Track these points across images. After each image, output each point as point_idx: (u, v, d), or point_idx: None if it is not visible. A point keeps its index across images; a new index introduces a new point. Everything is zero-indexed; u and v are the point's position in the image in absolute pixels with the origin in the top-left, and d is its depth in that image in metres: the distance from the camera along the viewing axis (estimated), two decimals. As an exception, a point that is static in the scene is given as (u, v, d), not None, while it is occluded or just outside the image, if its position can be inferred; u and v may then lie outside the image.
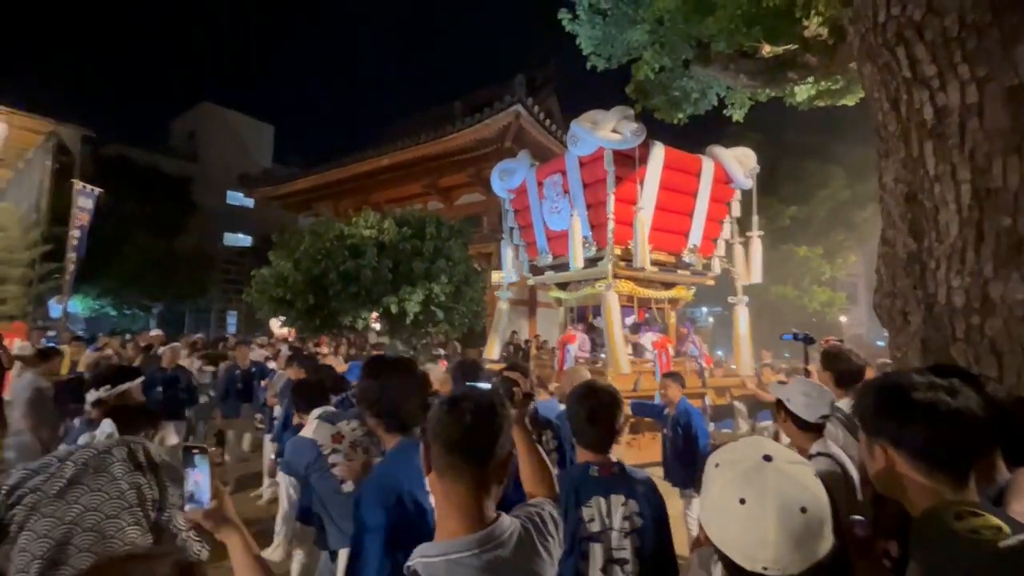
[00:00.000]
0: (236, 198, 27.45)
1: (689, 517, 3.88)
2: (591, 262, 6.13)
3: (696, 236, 6.43)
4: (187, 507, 1.08)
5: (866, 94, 1.82)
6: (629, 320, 6.43)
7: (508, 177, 7.14)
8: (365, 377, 1.71)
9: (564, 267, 6.37)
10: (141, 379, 2.42)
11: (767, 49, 4.10)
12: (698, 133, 6.62)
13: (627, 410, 3.89)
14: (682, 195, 6.23)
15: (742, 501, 0.77)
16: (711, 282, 6.99)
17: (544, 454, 1.36)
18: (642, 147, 5.72)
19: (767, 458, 0.81)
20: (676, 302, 6.81)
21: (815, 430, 1.83)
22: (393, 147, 15.51)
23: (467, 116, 14.15)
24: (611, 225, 5.75)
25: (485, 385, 1.40)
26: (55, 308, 12.75)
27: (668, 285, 6.59)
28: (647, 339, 6.07)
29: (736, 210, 6.70)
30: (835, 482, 1.67)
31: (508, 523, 1.00)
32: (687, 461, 3.88)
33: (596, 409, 1.71)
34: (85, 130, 12.14)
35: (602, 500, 1.63)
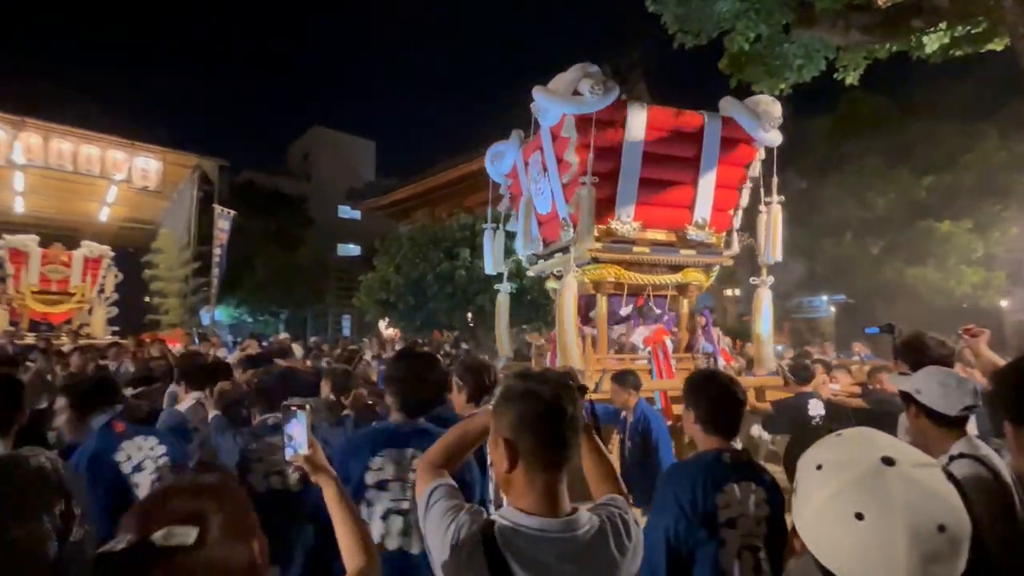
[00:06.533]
0: (345, 211, 30.02)
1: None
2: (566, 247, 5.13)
3: (704, 208, 5.19)
4: (287, 452, 1.22)
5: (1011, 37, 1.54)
6: (624, 312, 5.37)
7: (499, 161, 6.32)
8: None
9: (552, 254, 5.53)
10: None
11: (884, -2, 3.62)
12: (805, 103, 5.84)
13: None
14: (677, 161, 5.08)
15: (859, 516, 0.64)
16: (729, 261, 5.64)
17: (606, 449, 1.32)
18: (618, 109, 4.67)
19: (887, 461, 0.66)
20: (686, 288, 5.47)
21: (957, 425, 1.55)
22: (482, 151, 15.92)
23: (553, 112, 14.09)
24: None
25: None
26: (204, 316, 14.80)
27: (675, 268, 5.32)
28: (638, 334, 5.11)
29: (757, 170, 5.29)
30: (985, 490, 1.40)
31: (586, 518, 1.01)
32: (648, 474, 3.25)
33: (723, 396, 1.71)
34: (222, 161, 13.95)
35: (736, 486, 1.61)
